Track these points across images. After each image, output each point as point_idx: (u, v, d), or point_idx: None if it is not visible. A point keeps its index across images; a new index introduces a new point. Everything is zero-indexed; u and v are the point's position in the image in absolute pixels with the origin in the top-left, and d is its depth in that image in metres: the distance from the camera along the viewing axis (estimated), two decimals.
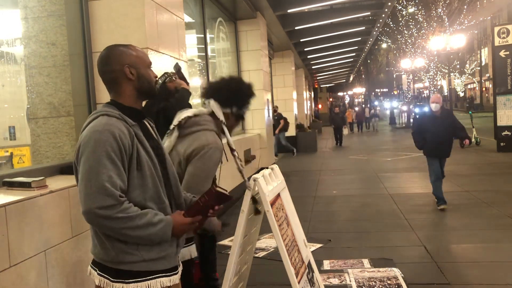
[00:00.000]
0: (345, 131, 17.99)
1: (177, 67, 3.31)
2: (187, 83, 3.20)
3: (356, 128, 27.38)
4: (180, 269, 1.84)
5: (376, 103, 47.58)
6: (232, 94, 2.44)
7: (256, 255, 4.40)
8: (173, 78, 3.25)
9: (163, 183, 1.74)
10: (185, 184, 2.23)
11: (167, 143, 2.32)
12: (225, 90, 2.42)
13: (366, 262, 4.18)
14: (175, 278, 1.77)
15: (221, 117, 2.40)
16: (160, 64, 4.09)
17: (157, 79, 1.85)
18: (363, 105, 46.87)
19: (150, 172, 1.69)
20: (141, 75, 1.75)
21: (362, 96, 71.82)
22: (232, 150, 2.47)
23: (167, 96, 3.14)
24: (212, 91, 2.44)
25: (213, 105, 2.40)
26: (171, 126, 2.35)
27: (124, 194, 1.61)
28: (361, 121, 27.41)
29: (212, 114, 2.41)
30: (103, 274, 1.73)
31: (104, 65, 1.74)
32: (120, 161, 1.60)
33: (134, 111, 1.76)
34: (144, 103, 2.17)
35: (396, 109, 35.27)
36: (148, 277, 1.68)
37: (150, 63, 1.80)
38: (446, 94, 42.35)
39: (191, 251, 2.50)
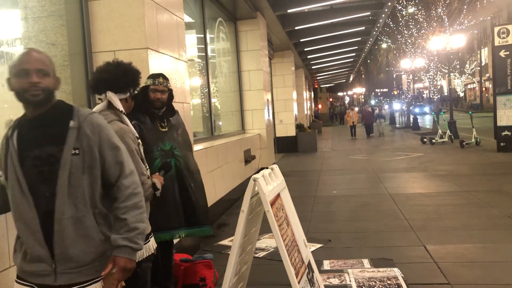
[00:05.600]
0: None
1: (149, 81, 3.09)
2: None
3: (365, 133, 22.57)
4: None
5: (386, 106, 45.38)
6: (127, 79, 2.52)
7: (256, 255, 4.40)
8: (160, 85, 3.07)
9: (29, 198, 1.70)
10: None
11: None
12: (119, 79, 2.48)
13: (366, 262, 4.18)
14: None
15: (120, 106, 2.48)
16: (160, 64, 4.09)
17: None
18: (362, 105, 46.57)
19: (12, 184, 1.73)
20: (10, 84, 1.76)
21: (362, 96, 71.80)
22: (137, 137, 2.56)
23: (143, 105, 3.01)
24: (105, 84, 2.49)
25: (112, 97, 2.47)
26: None
27: None
28: (369, 123, 22.53)
29: (108, 105, 2.49)
30: None
31: None
32: None
33: (21, 120, 1.82)
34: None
35: (399, 111, 35.07)
36: None
37: (22, 70, 1.72)
38: (446, 94, 42.43)
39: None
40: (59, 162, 1.69)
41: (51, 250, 1.70)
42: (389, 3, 12.76)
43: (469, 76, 42.93)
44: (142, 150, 2.53)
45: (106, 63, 2.56)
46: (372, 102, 57.56)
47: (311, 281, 2.90)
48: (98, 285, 1.77)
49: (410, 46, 28.80)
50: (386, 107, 35.34)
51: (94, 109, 2.50)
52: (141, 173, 2.38)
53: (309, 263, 3.02)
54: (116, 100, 2.47)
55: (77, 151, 1.72)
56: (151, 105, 3.03)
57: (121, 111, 2.48)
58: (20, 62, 1.72)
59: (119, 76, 2.48)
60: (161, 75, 3.11)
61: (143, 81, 2.96)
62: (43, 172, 1.69)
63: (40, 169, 1.69)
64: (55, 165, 1.69)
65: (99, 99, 2.53)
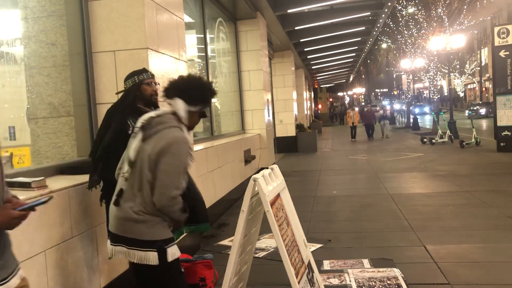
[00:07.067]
0: None
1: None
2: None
3: (366, 135, 20.56)
4: (12, 278, 1.73)
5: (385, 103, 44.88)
6: (198, 93, 2.41)
7: (256, 255, 4.40)
8: (153, 77, 3.03)
9: None
10: (159, 182, 2.21)
11: (133, 145, 2.32)
12: (190, 89, 2.40)
13: (366, 262, 4.18)
14: None
15: (183, 116, 2.38)
16: (160, 64, 4.09)
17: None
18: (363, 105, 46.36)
19: None
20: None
21: (362, 96, 71.79)
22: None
23: (134, 105, 2.93)
24: (176, 91, 2.40)
25: (179, 104, 2.37)
26: (135, 129, 2.33)
27: None
28: (370, 125, 20.28)
29: (174, 113, 2.39)
30: None
31: None
32: None
33: None
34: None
35: (400, 111, 34.99)
36: None
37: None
38: (446, 94, 42.43)
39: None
40: None
41: None
42: (389, 3, 12.76)
43: (469, 76, 42.94)
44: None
45: (188, 75, 2.53)
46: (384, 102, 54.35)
47: (311, 281, 2.90)
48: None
49: (410, 46, 28.83)
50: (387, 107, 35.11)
51: (160, 111, 2.38)
52: (176, 186, 2.26)
53: (309, 263, 3.02)
54: (181, 109, 2.37)
55: None
56: (149, 101, 3.01)
57: (182, 121, 2.38)
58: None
59: (194, 87, 2.40)
60: (145, 69, 3.07)
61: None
62: None
63: None
64: None
65: (169, 104, 2.42)
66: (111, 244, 2.34)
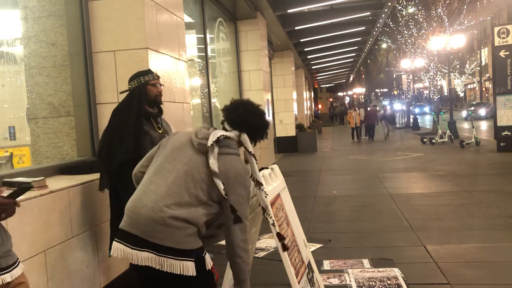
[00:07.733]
0: None
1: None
2: None
3: (365, 135, 20.18)
4: (17, 268, 1.79)
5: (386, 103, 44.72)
6: (262, 135, 2.41)
7: (256, 255, 4.40)
8: (159, 78, 3.05)
9: None
10: (230, 213, 2.13)
11: (212, 160, 2.14)
12: (256, 131, 2.37)
13: (366, 262, 4.18)
14: None
15: (252, 151, 2.37)
16: (160, 64, 4.09)
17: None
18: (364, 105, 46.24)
19: None
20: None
21: (362, 96, 71.78)
22: (259, 184, 2.41)
23: (148, 102, 2.96)
24: (246, 126, 2.33)
25: (246, 139, 2.33)
26: (209, 143, 2.16)
27: None
28: (371, 125, 19.82)
29: (238, 141, 2.33)
30: None
31: None
32: None
33: None
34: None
35: (400, 111, 34.89)
36: None
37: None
38: (446, 94, 42.43)
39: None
40: None
41: None
42: (389, 3, 12.77)
43: (469, 76, 42.93)
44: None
45: (249, 102, 2.40)
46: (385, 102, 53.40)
47: (311, 281, 2.90)
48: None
49: (410, 46, 28.84)
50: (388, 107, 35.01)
51: (228, 133, 2.27)
52: (246, 217, 2.21)
53: (309, 263, 3.02)
54: (248, 143, 2.33)
55: None
56: (154, 101, 3.02)
57: (253, 154, 2.37)
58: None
59: (260, 128, 2.38)
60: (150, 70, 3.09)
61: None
62: None
63: None
64: None
65: (227, 130, 2.32)
66: (132, 249, 2.01)
